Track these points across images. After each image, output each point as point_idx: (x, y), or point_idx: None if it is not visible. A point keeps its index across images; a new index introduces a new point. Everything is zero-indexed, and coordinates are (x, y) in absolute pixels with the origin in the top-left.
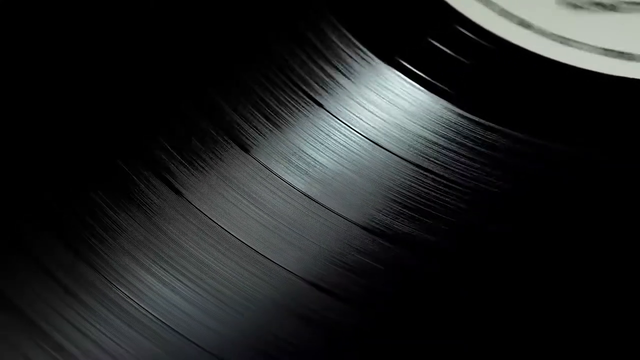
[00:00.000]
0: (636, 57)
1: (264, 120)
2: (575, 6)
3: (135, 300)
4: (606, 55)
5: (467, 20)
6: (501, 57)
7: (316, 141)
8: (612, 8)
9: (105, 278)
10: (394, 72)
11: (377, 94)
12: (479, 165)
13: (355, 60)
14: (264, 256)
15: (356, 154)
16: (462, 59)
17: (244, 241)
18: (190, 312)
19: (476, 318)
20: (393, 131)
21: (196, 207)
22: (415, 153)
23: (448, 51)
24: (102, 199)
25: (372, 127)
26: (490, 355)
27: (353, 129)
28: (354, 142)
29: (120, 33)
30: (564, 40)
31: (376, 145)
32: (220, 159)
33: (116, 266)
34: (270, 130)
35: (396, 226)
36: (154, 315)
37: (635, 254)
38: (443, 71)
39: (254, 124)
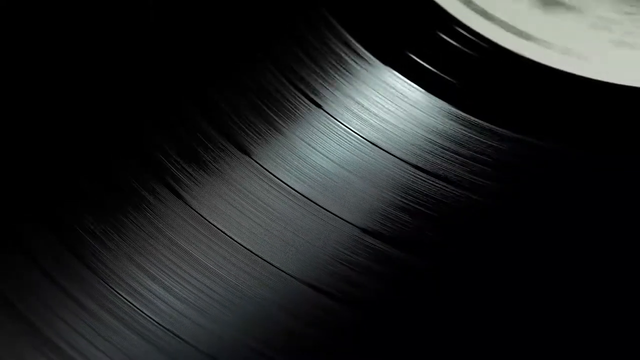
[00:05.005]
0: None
1: (264, 122)
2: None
3: (135, 303)
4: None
5: (466, 22)
6: (501, 58)
7: (315, 143)
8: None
9: (105, 281)
10: (393, 74)
11: (376, 96)
12: (478, 166)
13: (355, 62)
14: (262, 258)
15: (355, 155)
16: (461, 60)
17: (244, 244)
18: (188, 315)
19: (477, 318)
20: (392, 132)
21: (195, 210)
22: (414, 154)
23: (447, 53)
24: (103, 200)
25: (371, 128)
26: (490, 355)
27: (352, 131)
28: (353, 143)
29: (120, 35)
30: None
31: (375, 147)
32: (219, 161)
33: (116, 269)
34: (269, 132)
35: (395, 227)
36: (153, 320)
37: (635, 253)
38: (442, 72)
39: (253, 126)
